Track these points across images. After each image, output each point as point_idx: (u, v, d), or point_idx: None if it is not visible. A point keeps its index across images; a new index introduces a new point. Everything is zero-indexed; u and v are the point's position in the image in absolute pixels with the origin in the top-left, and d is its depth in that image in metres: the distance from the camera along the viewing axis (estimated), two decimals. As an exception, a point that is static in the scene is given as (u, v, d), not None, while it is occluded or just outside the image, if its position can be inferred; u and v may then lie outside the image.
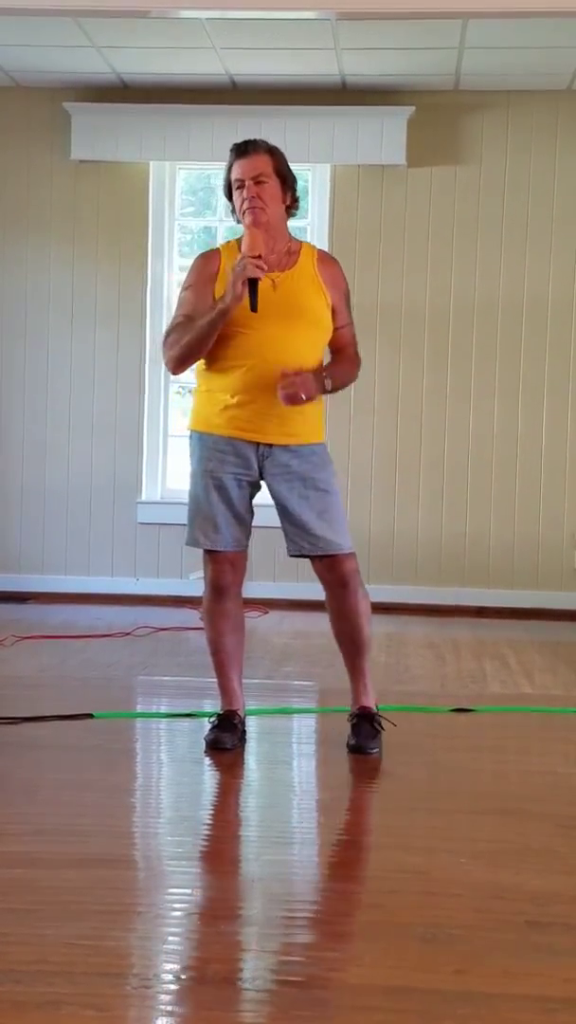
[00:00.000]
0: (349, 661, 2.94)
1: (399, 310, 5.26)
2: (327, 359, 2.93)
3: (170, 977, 1.72)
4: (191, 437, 2.93)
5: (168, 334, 2.87)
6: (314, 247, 2.93)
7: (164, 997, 1.66)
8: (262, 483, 2.88)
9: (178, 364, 2.86)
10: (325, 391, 2.81)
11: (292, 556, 2.89)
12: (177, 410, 5.57)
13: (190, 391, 5.71)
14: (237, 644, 2.91)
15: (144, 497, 5.36)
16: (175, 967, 1.76)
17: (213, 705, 3.28)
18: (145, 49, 4.80)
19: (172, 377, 5.45)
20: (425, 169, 5.19)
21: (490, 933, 1.87)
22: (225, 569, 2.87)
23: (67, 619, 4.84)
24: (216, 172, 5.44)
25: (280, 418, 2.80)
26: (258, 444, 2.81)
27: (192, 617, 4.90)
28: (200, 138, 5.17)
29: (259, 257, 2.69)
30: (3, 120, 5.32)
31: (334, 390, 2.85)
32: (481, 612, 5.19)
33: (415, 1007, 1.63)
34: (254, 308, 2.71)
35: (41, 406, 5.37)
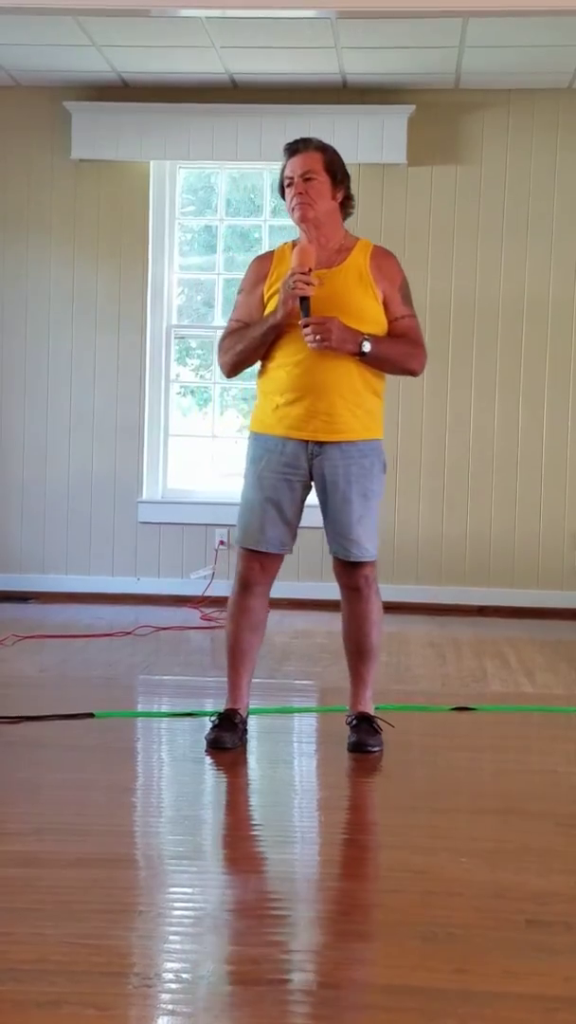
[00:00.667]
0: (353, 667, 2.94)
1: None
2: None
3: (171, 976, 1.72)
4: (249, 438, 2.95)
5: (223, 339, 2.94)
6: (371, 243, 2.92)
7: (165, 996, 1.66)
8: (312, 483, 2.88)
9: (231, 370, 2.92)
10: (360, 352, 2.74)
11: (332, 554, 2.88)
12: (178, 409, 5.58)
13: (190, 391, 5.73)
14: (251, 643, 2.90)
15: (145, 496, 5.36)
16: (176, 966, 1.76)
17: (214, 704, 3.28)
18: (145, 48, 4.79)
19: (173, 375, 5.49)
20: (426, 168, 5.19)
21: (490, 932, 1.87)
22: (254, 567, 2.88)
23: (68, 619, 4.84)
24: (216, 171, 5.44)
25: (328, 415, 2.80)
26: (308, 443, 2.82)
27: (193, 616, 4.91)
28: (200, 137, 5.17)
29: (309, 272, 2.72)
30: (3, 119, 5.32)
31: (376, 358, 2.77)
32: (482, 611, 5.19)
33: (416, 1006, 1.63)
34: (305, 324, 2.73)
35: (42, 405, 5.38)
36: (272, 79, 5.07)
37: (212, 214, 5.46)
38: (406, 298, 2.88)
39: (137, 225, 5.31)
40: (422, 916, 1.93)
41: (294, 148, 2.84)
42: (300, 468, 2.83)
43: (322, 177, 2.81)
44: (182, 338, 5.52)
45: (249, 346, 2.85)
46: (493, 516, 5.25)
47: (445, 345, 5.26)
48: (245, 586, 2.90)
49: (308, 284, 2.71)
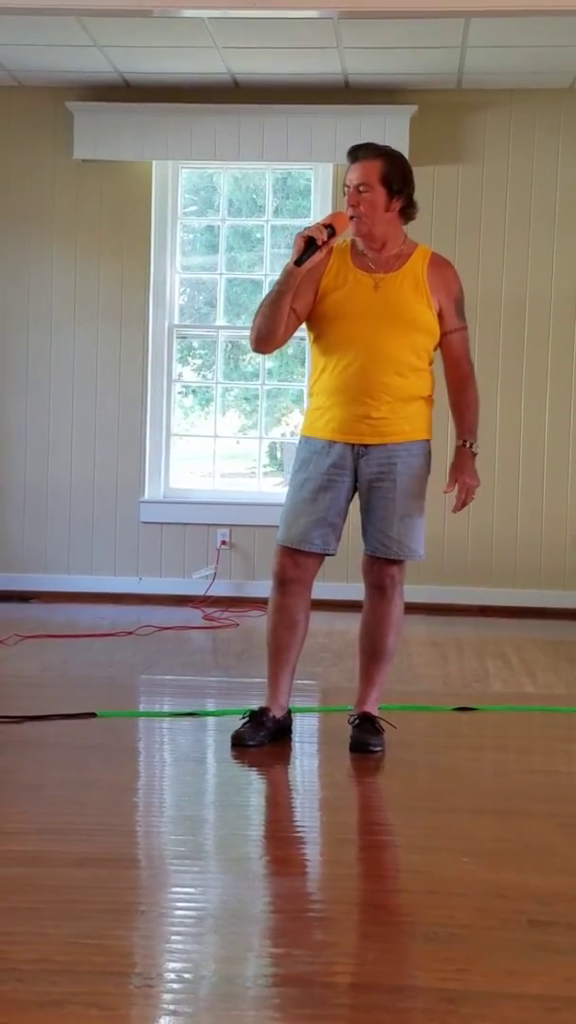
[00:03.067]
0: (364, 666, 2.94)
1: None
2: (438, 364, 2.93)
3: (173, 976, 1.72)
4: (300, 441, 2.95)
5: (254, 318, 2.90)
6: (429, 250, 2.91)
7: (167, 996, 1.66)
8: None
9: (256, 342, 2.84)
10: (474, 454, 2.92)
11: (369, 553, 2.88)
12: (179, 409, 5.58)
13: (192, 391, 5.73)
14: (289, 642, 2.88)
15: (147, 496, 5.37)
16: (178, 966, 1.76)
17: (216, 704, 3.28)
18: (148, 48, 4.80)
19: (175, 375, 5.49)
20: (428, 168, 5.19)
21: (492, 932, 1.87)
22: (287, 564, 2.86)
23: (70, 618, 4.84)
24: (218, 171, 5.44)
25: (375, 420, 2.81)
26: (354, 445, 2.82)
27: (195, 616, 4.91)
28: (202, 137, 5.17)
29: (330, 226, 2.73)
30: (6, 119, 5.32)
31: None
32: (484, 611, 5.18)
33: (417, 1006, 1.63)
34: (297, 263, 2.72)
35: (44, 405, 5.38)
36: (274, 79, 5.07)
37: (214, 214, 5.47)
38: (460, 310, 2.89)
39: (139, 225, 5.31)
40: (424, 916, 1.93)
41: (355, 154, 2.84)
42: (345, 469, 2.83)
43: (377, 189, 2.79)
44: (184, 338, 5.52)
45: (267, 301, 2.80)
46: (495, 516, 5.25)
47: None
48: (280, 583, 2.88)
49: (321, 231, 2.71)
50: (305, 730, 3.21)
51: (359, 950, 1.84)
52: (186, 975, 1.72)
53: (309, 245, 2.72)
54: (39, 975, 1.68)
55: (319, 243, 2.72)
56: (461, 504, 2.90)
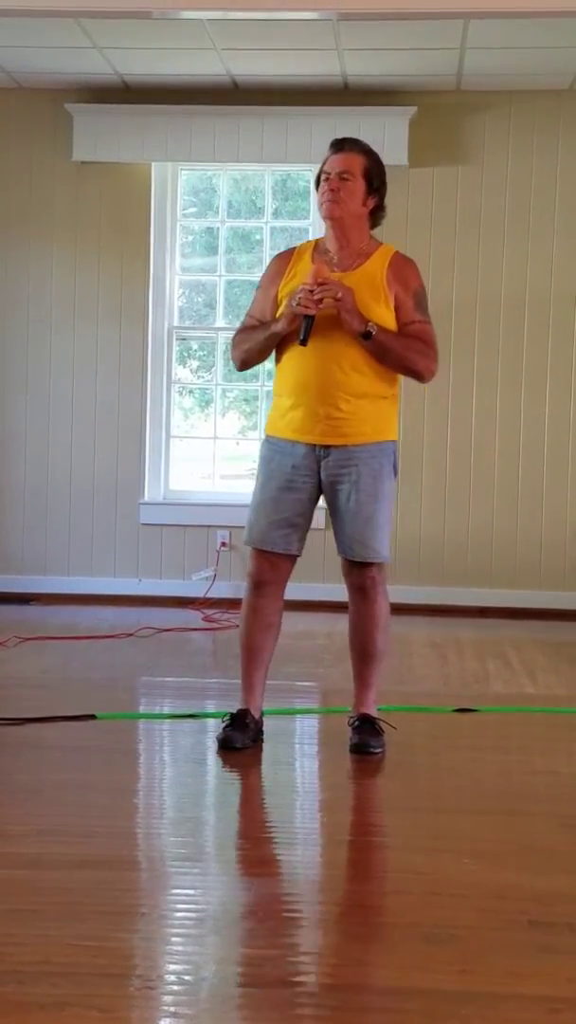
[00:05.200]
0: (356, 669, 2.94)
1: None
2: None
3: (173, 978, 1.72)
4: (263, 440, 2.96)
5: (237, 332, 2.96)
6: (392, 249, 2.91)
7: (167, 998, 1.66)
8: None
9: (240, 366, 2.97)
10: (364, 331, 2.72)
11: (340, 555, 2.89)
12: (179, 410, 5.58)
13: (191, 392, 5.73)
14: (264, 643, 2.90)
15: (147, 498, 5.36)
16: (178, 968, 1.76)
17: (216, 706, 3.28)
18: (147, 50, 4.80)
19: (175, 378, 5.49)
20: (427, 169, 5.19)
21: (493, 933, 1.87)
22: (263, 566, 2.88)
23: (70, 620, 4.84)
24: (218, 173, 5.44)
25: (332, 420, 2.80)
26: (315, 446, 2.82)
27: (195, 618, 4.91)
28: (202, 139, 5.17)
29: (322, 285, 2.70)
30: (5, 121, 5.32)
31: (380, 345, 2.74)
32: (484, 612, 5.18)
33: (418, 1007, 1.63)
34: (303, 342, 2.75)
35: (43, 407, 5.38)
36: (273, 81, 5.07)
37: (214, 216, 5.47)
38: (420, 305, 2.86)
39: (138, 227, 5.31)
40: (425, 917, 1.93)
41: (340, 145, 2.86)
42: (309, 471, 2.83)
43: (358, 180, 2.82)
44: (184, 339, 5.52)
45: (254, 347, 2.89)
46: (495, 517, 5.25)
47: (447, 345, 5.24)
48: (255, 585, 2.90)
49: (312, 306, 2.70)
50: (305, 731, 3.21)
51: (360, 951, 1.84)
52: (186, 977, 1.72)
53: (306, 319, 2.73)
54: (40, 977, 1.68)
55: (315, 312, 2.72)
56: (319, 290, 2.69)
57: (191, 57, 4.82)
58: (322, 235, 2.95)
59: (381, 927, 1.91)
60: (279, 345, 2.85)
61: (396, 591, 5.14)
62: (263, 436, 2.95)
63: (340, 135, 5.25)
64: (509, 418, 5.24)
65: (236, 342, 2.93)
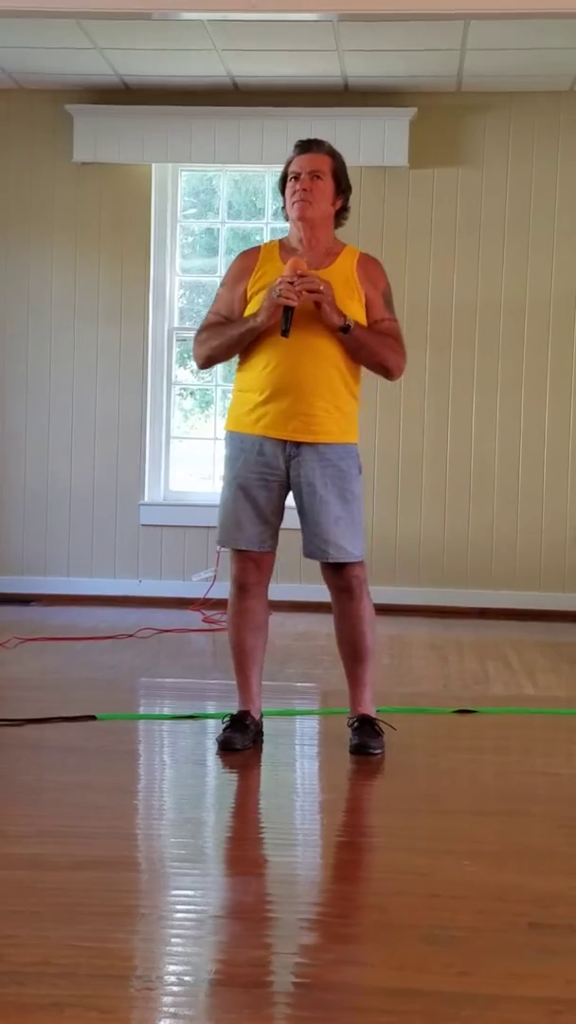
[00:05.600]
0: (349, 669, 2.93)
1: (402, 311, 5.23)
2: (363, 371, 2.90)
3: (173, 979, 1.72)
4: (225, 436, 2.94)
5: (200, 331, 2.92)
6: (357, 250, 2.94)
7: (167, 999, 1.66)
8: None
9: (204, 363, 2.93)
10: (341, 325, 2.74)
11: (307, 557, 2.89)
12: (179, 411, 5.58)
13: (191, 393, 5.74)
14: (256, 644, 2.90)
15: (147, 499, 5.37)
16: (178, 969, 1.76)
17: (216, 707, 3.28)
18: (147, 51, 4.80)
19: (175, 379, 5.49)
20: (427, 170, 5.19)
21: (493, 934, 1.87)
22: (248, 567, 2.87)
23: (70, 621, 4.84)
24: (218, 174, 5.44)
25: (306, 416, 2.80)
26: (285, 443, 2.82)
27: (195, 619, 4.91)
28: (202, 140, 5.17)
29: (302, 277, 2.71)
30: (6, 122, 5.32)
31: (356, 340, 2.77)
32: (484, 613, 5.18)
33: (418, 1009, 1.62)
34: (285, 333, 2.74)
35: (44, 408, 5.38)
36: (274, 82, 5.07)
37: (214, 217, 5.47)
38: (388, 304, 2.91)
39: (139, 228, 5.31)
40: (424, 919, 1.93)
41: (307, 146, 2.86)
42: (278, 468, 2.83)
43: (328, 180, 2.83)
44: (184, 340, 5.52)
45: (225, 343, 2.84)
46: (495, 518, 5.25)
47: (447, 346, 5.26)
48: (241, 588, 2.89)
49: (293, 297, 2.70)
50: (306, 733, 3.21)
51: (360, 953, 1.84)
52: (186, 978, 1.72)
53: (287, 310, 2.72)
54: (40, 978, 1.67)
55: (295, 304, 2.72)
56: (303, 284, 2.69)
57: (191, 58, 4.83)
58: (280, 237, 2.94)
59: (381, 928, 1.91)
60: (248, 345, 2.83)
61: (396, 592, 5.19)
62: (226, 431, 2.90)
63: (340, 136, 5.26)
64: (509, 420, 5.24)
65: (201, 339, 2.88)
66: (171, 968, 1.76)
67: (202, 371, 3.05)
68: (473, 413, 5.26)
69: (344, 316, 2.77)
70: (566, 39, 4.50)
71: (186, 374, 5.64)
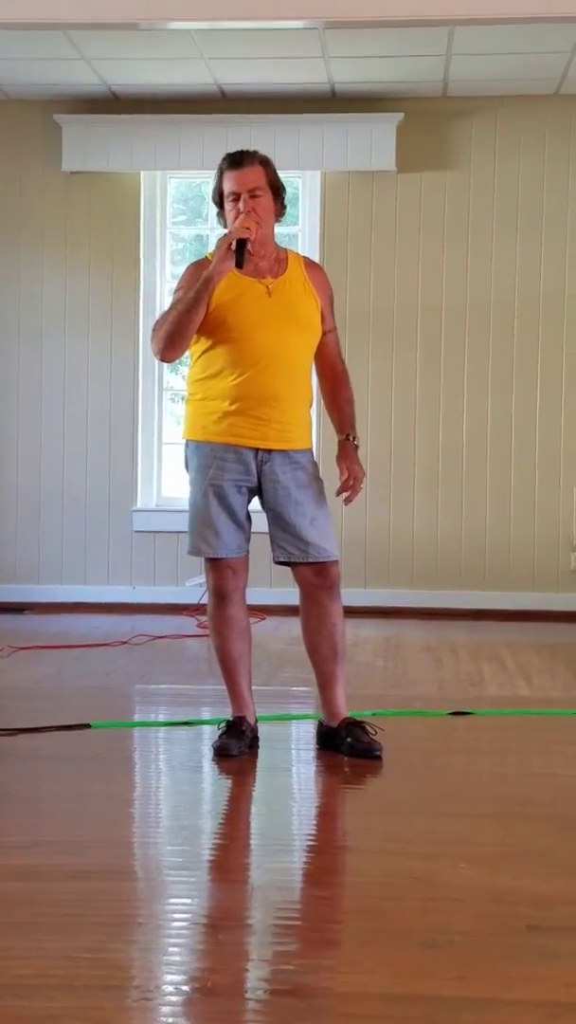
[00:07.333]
0: (328, 669, 2.91)
1: (390, 314, 5.27)
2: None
3: (171, 988, 1.72)
4: (188, 446, 2.94)
5: (154, 328, 2.88)
6: (299, 254, 2.98)
7: (165, 1009, 1.65)
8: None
9: (167, 346, 2.82)
10: (356, 447, 2.95)
11: (278, 563, 2.89)
12: (171, 417, 5.58)
13: (183, 398, 5.74)
14: (243, 650, 2.91)
15: (140, 505, 5.36)
16: (176, 978, 1.75)
17: (211, 713, 3.27)
18: (135, 60, 4.81)
19: (167, 385, 5.49)
20: (415, 175, 5.21)
21: (491, 938, 1.86)
22: (227, 575, 2.87)
23: (64, 628, 4.83)
24: (207, 181, 5.45)
25: (279, 423, 2.83)
26: (257, 450, 2.83)
27: (189, 624, 4.90)
28: (190, 148, 5.18)
29: (249, 228, 2.73)
30: (-7, 132, 5.33)
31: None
32: (478, 615, 5.19)
33: (417, 1014, 1.62)
34: (239, 265, 2.73)
35: (35, 415, 5.38)
36: (261, 89, 5.09)
37: (203, 223, 5.48)
38: (333, 311, 2.96)
39: (128, 235, 5.32)
40: (422, 923, 1.92)
41: (237, 160, 2.82)
42: (251, 475, 2.85)
43: (267, 194, 2.81)
44: (175, 347, 5.52)
45: (184, 307, 2.76)
46: (488, 519, 5.26)
47: (437, 348, 5.28)
48: (222, 596, 2.89)
49: (247, 229, 2.71)
50: (301, 737, 3.20)
51: (357, 958, 1.83)
52: (184, 987, 1.72)
53: (240, 246, 2.71)
54: (37, 990, 1.67)
55: (250, 241, 2.72)
56: (354, 493, 2.89)
57: (179, 67, 4.84)
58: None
59: (378, 933, 1.91)
60: (209, 355, 2.82)
61: (390, 594, 5.20)
62: (189, 441, 2.90)
63: (328, 142, 5.25)
64: (501, 420, 5.25)
65: (157, 325, 2.84)
66: (169, 978, 1.76)
67: (167, 363, 3.04)
68: (464, 415, 5.28)
69: (354, 448, 2.92)
70: (550, 43, 4.52)
71: (178, 380, 5.64)
